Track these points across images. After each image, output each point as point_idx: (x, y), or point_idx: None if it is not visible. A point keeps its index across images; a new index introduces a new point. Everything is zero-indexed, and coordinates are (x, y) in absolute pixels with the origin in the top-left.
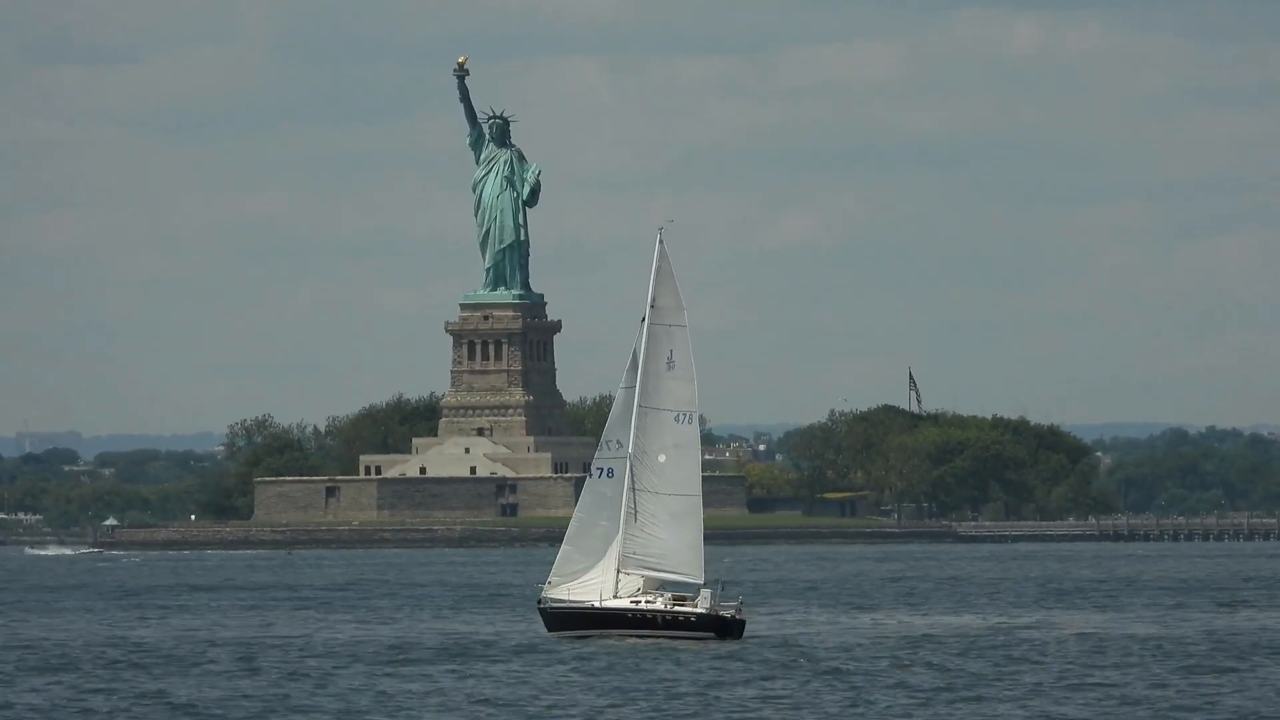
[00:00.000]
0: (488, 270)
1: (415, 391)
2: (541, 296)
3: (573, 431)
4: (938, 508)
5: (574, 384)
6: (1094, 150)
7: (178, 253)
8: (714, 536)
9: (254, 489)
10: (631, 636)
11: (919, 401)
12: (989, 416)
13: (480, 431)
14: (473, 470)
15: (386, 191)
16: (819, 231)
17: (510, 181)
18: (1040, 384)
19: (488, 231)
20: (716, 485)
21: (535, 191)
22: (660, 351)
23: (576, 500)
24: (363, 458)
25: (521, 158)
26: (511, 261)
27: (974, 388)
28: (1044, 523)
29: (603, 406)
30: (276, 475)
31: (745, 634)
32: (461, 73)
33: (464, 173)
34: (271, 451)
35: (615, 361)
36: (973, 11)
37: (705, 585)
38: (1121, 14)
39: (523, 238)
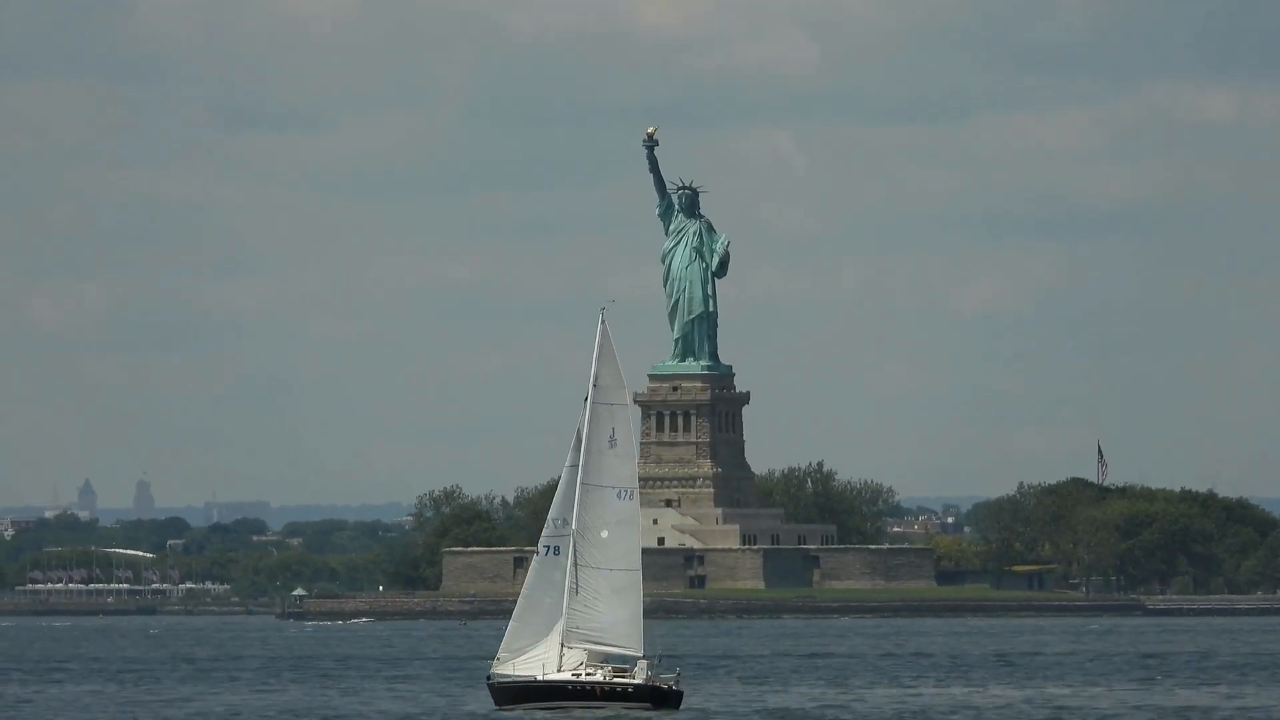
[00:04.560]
0: (676, 341)
1: None
2: (730, 368)
3: (761, 503)
4: (1125, 581)
5: (762, 455)
6: None
7: (367, 318)
8: (901, 609)
9: (442, 559)
10: (574, 708)
11: (1104, 474)
12: (1177, 489)
13: (668, 503)
14: (660, 541)
15: (574, 259)
16: (1008, 298)
17: (699, 252)
18: (1229, 456)
19: (677, 302)
20: (905, 558)
21: (724, 263)
22: (603, 430)
23: (765, 572)
24: None
25: (710, 228)
26: (700, 332)
27: (1162, 460)
28: (1232, 596)
29: (791, 479)
30: (464, 546)
31: (683, 705)
32: (651, 143)
33: (653, 241)
34: (459, 522)
35: (802, 432)
36: (1168, 80)
37: (643, 657)
38: None
39: (711, 309)
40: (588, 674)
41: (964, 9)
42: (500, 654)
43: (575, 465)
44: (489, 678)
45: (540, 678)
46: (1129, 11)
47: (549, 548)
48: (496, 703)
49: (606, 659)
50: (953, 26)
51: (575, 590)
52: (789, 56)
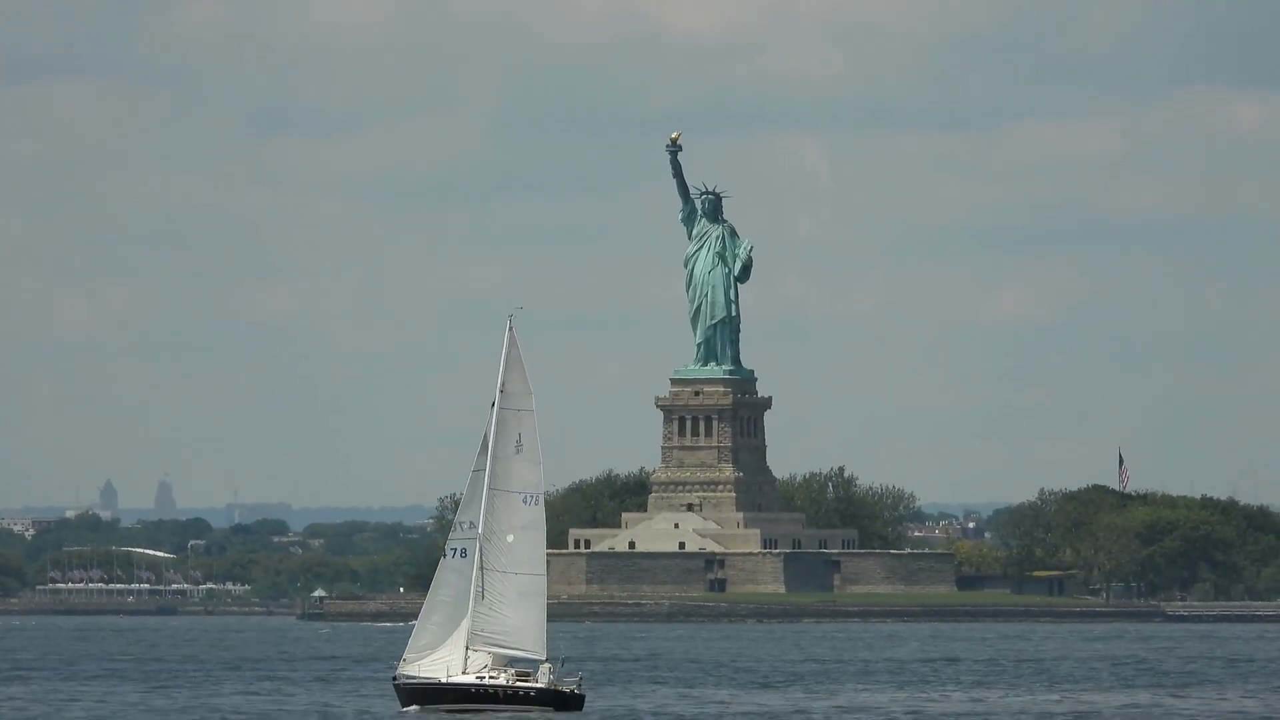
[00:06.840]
0: (699, 346)
1: (625, 466)
2: (752, 372)
3: (782, 508)
4: (1146, 587)
5: (784, 460)
6: None
7: (392, 324)
8: (923, 614)
9: None
10: (477, 710)
11: (1125, 481)
12: (1198, 497)
13: (690, 507)
14: (682, 545)
15: (599, 265)
16: (1033, 309)
17: (722, 258)
18: (1250, 465)
19: (699, 307)
20: (925, 563)
21: (747, 268)
22: (509, 435)
23: (785, 576)
24: (572, 532)
25: (734, 234)
26: (722, 337)
27: (1184, 468)
28: (1253, 603)
29: (812, 484)
30: None
31: (585, 708)
32: (674, 148)
33: (676, 247)
34: None
35: (824, 437)
36: (1195, 89)
37: (546, 660)
38: None
39: (734, 313)
40: (491, 677)
41: (992, 18)
42: (406, 655)
43: (482, 470)
44: (394, 678)
45: (445, 680)
46: (1158, 21)
47: (455, 550)
48: (402, 703)
49: (510, 662)
50: (981, 35)
51: (481, 594)
52: (816, 64)
